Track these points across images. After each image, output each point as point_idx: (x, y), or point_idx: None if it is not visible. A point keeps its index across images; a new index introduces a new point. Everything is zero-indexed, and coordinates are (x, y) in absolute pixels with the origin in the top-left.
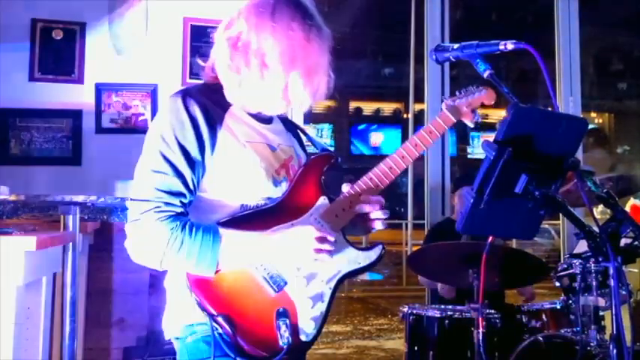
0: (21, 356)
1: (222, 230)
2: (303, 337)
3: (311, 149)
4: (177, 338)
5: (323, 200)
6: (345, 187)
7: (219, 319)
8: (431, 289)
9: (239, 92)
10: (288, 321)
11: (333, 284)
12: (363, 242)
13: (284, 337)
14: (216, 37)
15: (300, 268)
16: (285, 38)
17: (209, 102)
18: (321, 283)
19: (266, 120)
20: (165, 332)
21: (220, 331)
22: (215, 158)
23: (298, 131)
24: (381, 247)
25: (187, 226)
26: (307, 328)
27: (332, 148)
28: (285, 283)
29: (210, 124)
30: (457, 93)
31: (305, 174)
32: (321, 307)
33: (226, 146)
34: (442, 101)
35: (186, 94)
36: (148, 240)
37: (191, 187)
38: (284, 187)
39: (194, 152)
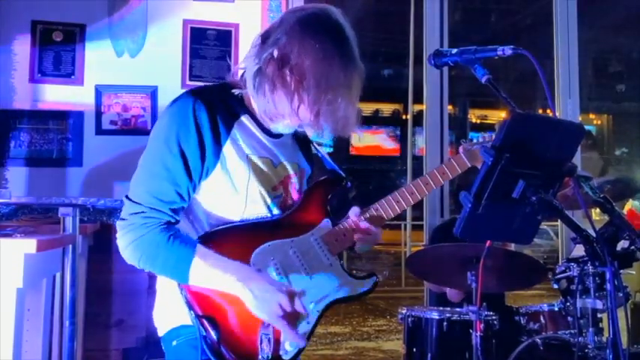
0: (21, 357)
1: (199, 249)
2: (282, 355)
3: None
4: (163, 338)
5: (326, 223)
6: (352, 213)
7: (204, 320)
8: (436, 294)
9: (265, 106)
10: (271, 336)
11: (321, 307)
12: None
13: (264, 351)
14: (252, 43)
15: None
16: (326, 63)
17: (221, 108)
18: (309, 305)
19: (275, 134)
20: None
21: (204, 333)
22: (216, 169)
23: (309, 145)
24: (374, 279)
25: (168, 240)
26: (288, 346)
27: (331, 149)
28: None
29: (216, 133)
30: (475, 139)
31: (312, 193)
32: (306, 327)
33: (229, 158)
34: (460, 144)
35: (197, 98)
36: (131, 242)
37: (185, 195)
38: (281, 202)
39: (194, 160)
